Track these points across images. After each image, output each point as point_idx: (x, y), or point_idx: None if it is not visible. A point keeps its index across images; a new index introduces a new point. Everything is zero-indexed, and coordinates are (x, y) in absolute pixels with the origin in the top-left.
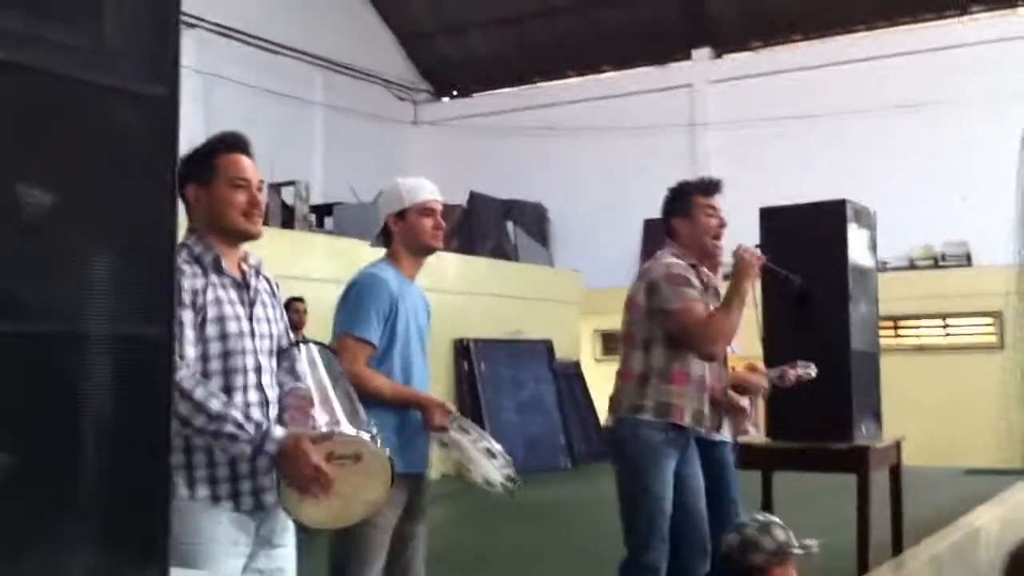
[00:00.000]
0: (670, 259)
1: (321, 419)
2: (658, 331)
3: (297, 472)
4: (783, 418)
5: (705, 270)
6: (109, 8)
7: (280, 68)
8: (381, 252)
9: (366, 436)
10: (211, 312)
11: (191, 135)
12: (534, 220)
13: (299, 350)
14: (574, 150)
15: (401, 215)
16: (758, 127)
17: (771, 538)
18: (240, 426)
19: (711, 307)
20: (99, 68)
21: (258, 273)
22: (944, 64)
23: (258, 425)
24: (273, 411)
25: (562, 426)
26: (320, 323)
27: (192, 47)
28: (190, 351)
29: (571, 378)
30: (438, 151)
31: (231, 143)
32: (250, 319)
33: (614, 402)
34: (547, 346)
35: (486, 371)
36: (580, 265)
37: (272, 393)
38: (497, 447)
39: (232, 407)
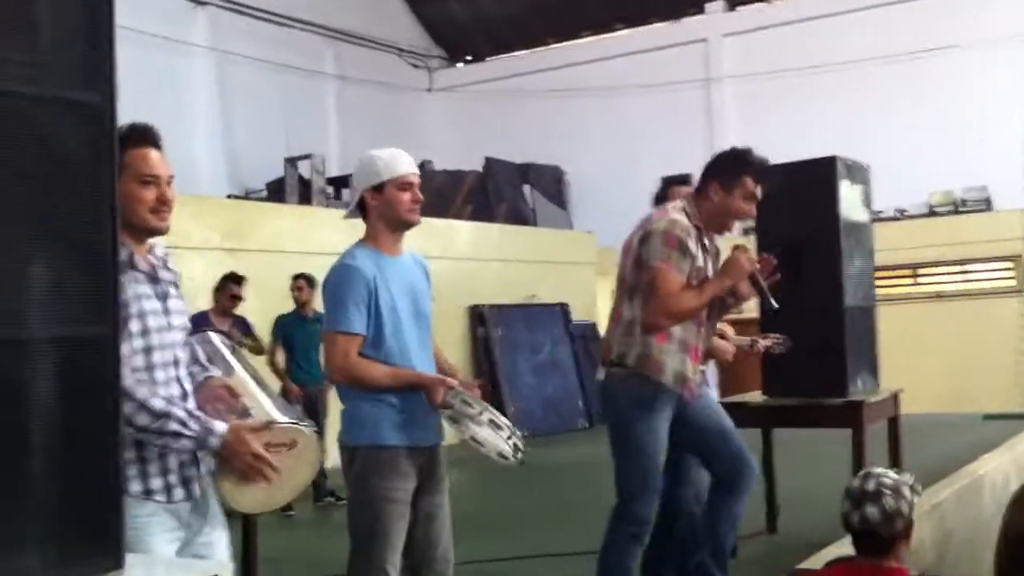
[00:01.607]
0: (676, 216)
1: (250, 405)
2: (642, 281)
3: (241, 463)
4: (780, 375)
5: (706, 237)
6: (42, 17)
7: (291, 42)
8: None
9: (299, 423)
10: (132, 308)
11: (207, 112)
12: (552, 182)
13: (198, 341)
14: (590, 110)
15: (379, 189)
16: (774, 79)
17: (905, 500)
18: (183, 423)
19: (708, 271)
20: (32, 78)
21: (165, 265)
22: (962, 7)
23: (199, 420)
24: (191, 403)
25: (579, 387)
26: None
27: (204, 25)
28: (124, 348)
29: (588, 339)
30: (454, 117)
31: (140, 137)
32: (166, 313)
33: (605, 348)
34: (563, 308)
35: (503, 336)
36: (598, 225)
37: (188, 385)
38: (503, 419)
39: (175, 405)
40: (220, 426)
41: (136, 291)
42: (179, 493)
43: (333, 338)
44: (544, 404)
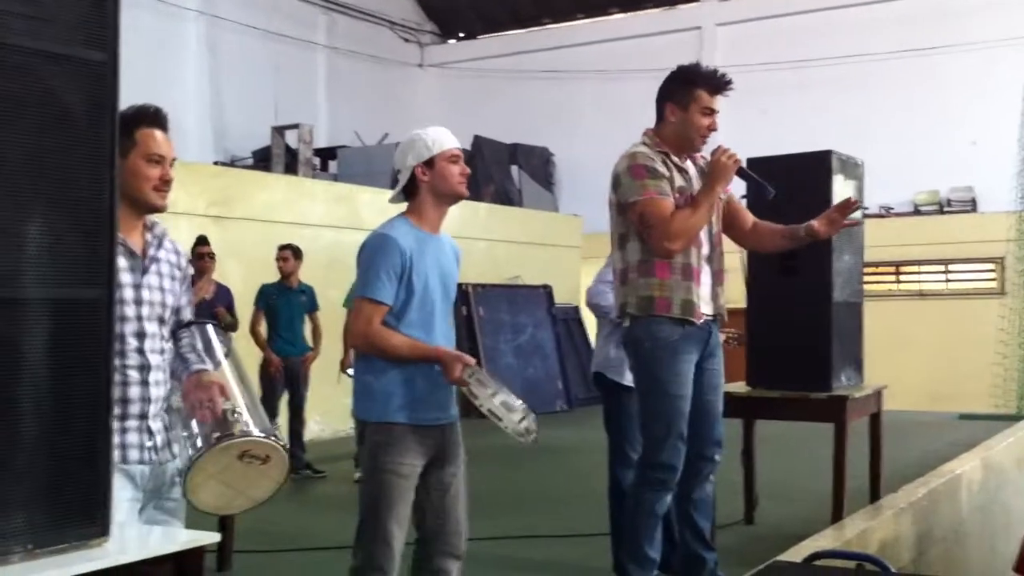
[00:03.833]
0: (635, 149)
1: (231, 408)
2: (629, 225)
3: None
4: (764, 367)
5: (676, 158)
6: None
7: (283, 9)
8: (400, 207)
9: (276, 441)
10: None
11: (198, 78)
12: (539, 164)
13: (195, 329)
14: (581, 94)
15: (429, 163)
16: (765, 71)
17: None
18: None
19: (694, 189)
20: (35, 33)
21: (160, 243)
22: (956, 8)
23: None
24: (154, 375)
25: (560, 370)
26: (318, 268)
27: None
28: None
29: (570, 323)
30: (444, 94)
31: (152, 118)
32: (136, 287)
33: (618, 306)
34: (546, 291)
35: (485, 316)
36: (585, 209)
37: (155, 358)
38: (517, 402)
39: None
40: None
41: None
42: (133, 454)
43: (360, 304)
44: (524, 385)
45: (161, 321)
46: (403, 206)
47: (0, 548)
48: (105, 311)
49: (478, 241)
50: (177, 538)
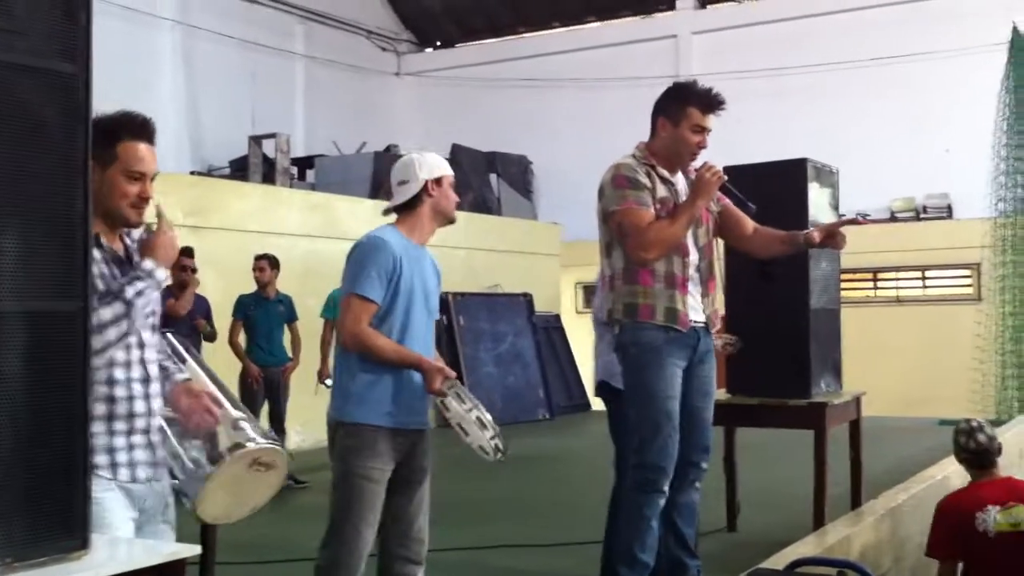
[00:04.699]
0: (620, 161)
1: (237, 416)
2: (613, 234)
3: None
4: (744, 374)
5: (663, 171)
6: None
7: (260, 19)
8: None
9: (278, 446)
10: (98, 286)
11: (174, 87)
12: (518, 172)
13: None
14: (558, 102)
15: (438, 181)
16: (742, 79)
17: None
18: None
19: (673, 203)
20: (7, 46)
21: (139, 250)
22: (933, 16)
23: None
24: (154, 388)
25: (541, 378)
26: (293, 279)
27: None
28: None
29: (551, 331)
30: (421, 103)
31: (138, 129)
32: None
33: (605, 312)
34: (526, 299)
35: (465, 325)
36: (563, 217)
37: (153, 369)
38: (488, 418)
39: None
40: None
41: (101, 270)
42: (124, 473)
43: (348, 301)
44: (505, 394)
45: (153, 329)
46: (392, 218)
47: None
48: (81, 323)
49: (457, 250)
50: (159, 550)
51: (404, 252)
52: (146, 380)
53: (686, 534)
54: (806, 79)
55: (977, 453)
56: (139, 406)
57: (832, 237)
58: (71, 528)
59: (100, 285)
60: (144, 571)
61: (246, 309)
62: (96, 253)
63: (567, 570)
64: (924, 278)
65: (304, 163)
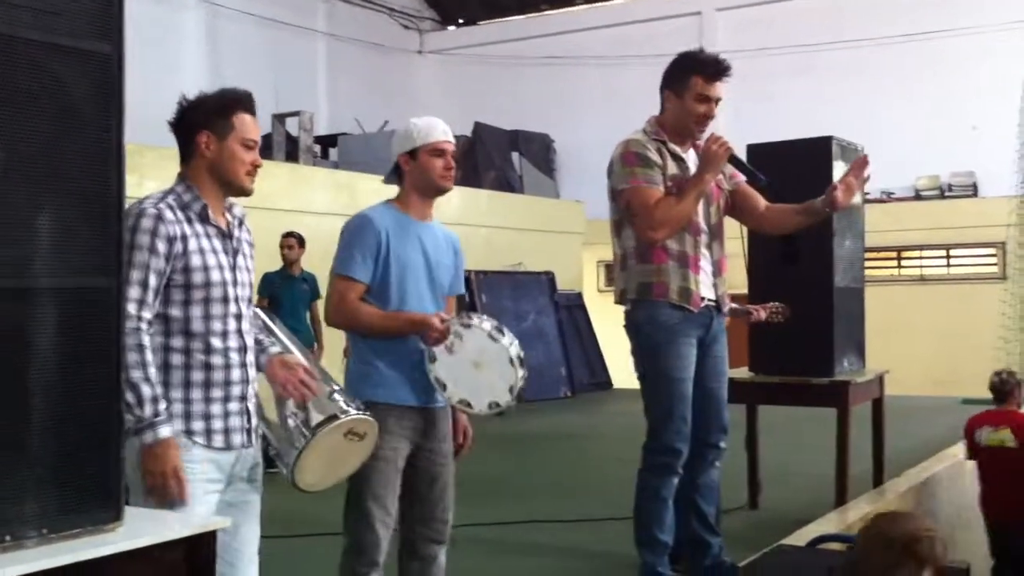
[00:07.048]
0: (629, 138)
1: (327, 387)
2: (623, 212)
3: (155, 471)
4: (767, 353)
5: (674, 146)
6: None
7: None
8: (392, 190)
9: (370, 417)
10: (195, 261)
11: (196, 65)
12: (540, 150)
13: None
14: (581, 80)
15: (412, 154)
16: (766, 56)
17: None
18: (140, 402)
19: (683, 180)
20: (42, 25)
21: (241, 224)
22: None
23: (156, 410)
24: (250, 356)
25: (563, 357)
26: (319, 257)
27: None
28: (150, 298)
29: (573, 309)
30: (444, 81)
31: (247, 103)
32: (233, 268)
33: (618, 292)
34: (549, 277)
35: (487, 303)
36: (585, 196)
37: (250, 339)
38: (505, 330)
39: (147, 383)
40: (163, 431)
41: (201, 244)
42: (218, 440)
43: (334, 281)
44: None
45: (248, 301)
46: (396, 189)
47: (15, 533)
48: (114, 299)
49: (479, 228)
50: (190, 522)
51: (395, 226)
52: (243, 349)
53: (707, 513)
54: (831, 56)
55: (993, 390)
56: (235, 374)
57: (848, 189)
58: (105, 500)
59: (196, 261)
60: (175, 542)
61: (271, 287)
62: (199, 227)
63: (587, 545)
64: (949, 257)
65: (327, 141)
